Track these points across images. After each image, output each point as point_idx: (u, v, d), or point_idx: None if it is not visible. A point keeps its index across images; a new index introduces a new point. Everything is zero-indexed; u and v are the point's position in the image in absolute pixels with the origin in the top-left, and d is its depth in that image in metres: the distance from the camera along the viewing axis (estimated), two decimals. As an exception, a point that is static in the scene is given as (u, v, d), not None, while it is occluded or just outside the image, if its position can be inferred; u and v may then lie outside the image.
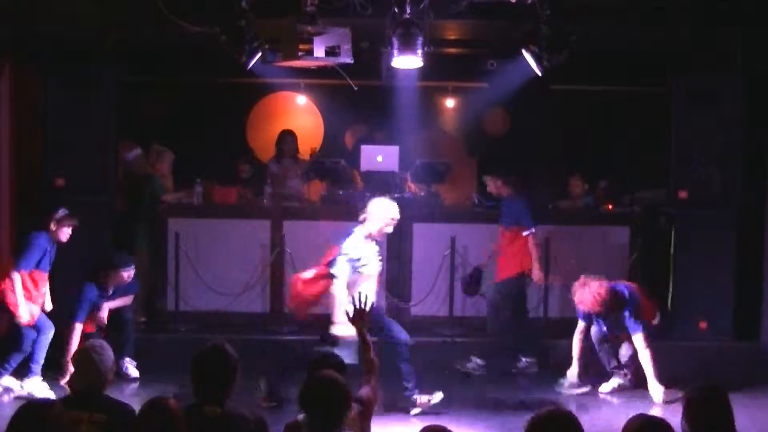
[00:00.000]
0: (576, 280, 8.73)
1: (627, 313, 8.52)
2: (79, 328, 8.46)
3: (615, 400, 8.66)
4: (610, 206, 10.55)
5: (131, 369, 8.98)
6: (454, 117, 13.07)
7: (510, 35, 9.15)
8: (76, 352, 4.88)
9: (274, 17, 7.97)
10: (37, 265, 8.37)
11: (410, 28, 7.93)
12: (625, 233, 10.29)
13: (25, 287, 8.27)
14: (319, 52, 7.56)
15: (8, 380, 8.33)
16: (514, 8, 8.23)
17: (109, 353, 4.88)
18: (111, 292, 8.84)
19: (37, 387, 8.21)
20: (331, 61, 7.74)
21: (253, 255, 10.12)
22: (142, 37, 9.92)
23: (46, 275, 8.51)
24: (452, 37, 10.17)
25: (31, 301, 8.33)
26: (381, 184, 10.23)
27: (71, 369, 6.08)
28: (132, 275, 8.86)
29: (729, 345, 9.81)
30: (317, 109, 12.73)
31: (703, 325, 9.89)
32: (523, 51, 8.57)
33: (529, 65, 8.64)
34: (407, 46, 7.98)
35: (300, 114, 12.76)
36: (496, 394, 8.65)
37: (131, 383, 8.79)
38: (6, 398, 8.21)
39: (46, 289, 8.57)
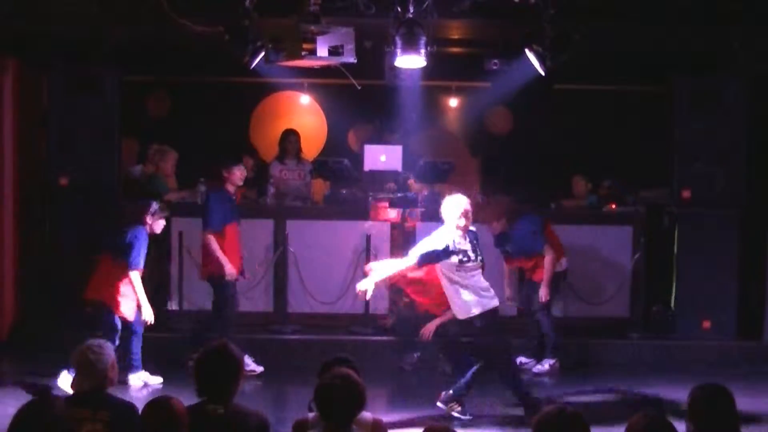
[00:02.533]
0: (577, 280, 8.74)
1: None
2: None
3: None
4: (614, 206, 10.56)
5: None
6: (457, 116, 13.07)
7: (513, 35, 9.14)
8: (75, 354, 4.84)
9: (277, 17, 7.97)
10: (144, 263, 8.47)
11: (413, 28, 7.94)
12: (629, 233, 10.29)
13: (124, 285, 8.35)
14: (322, 51, 7.55)
15: (143, 375, 8.55)
16: (517, 8, 8.23)
17: (109, 352, 4.85)
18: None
19: (146, 378, 8.52)
20: (335, 60, 7.74)
21: (256, 254, 10.12)
22: (145, 36, 9.92)
23: (144, 271, 8.58)
24: (455, 37, 10.17)
25: (128, 298, 8.45)
26: (384, 183, 10.26)
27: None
28: (244, 175, 9.05)
29: (732, 344, 9.82)
30: (320, 109, 12.73)
31: (706, 324, 9.91)
32: (527, 51, 8.57)
33: (532, 65, 8.64)
34: (410, 46, 7.98)
35: (303, 113, 12.76)
36: (496, 394, 8.65)
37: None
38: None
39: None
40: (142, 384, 8.48)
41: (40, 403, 4.05)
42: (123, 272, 8.34)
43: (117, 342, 8.28)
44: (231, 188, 8.96)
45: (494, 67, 9.96)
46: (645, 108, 11.67)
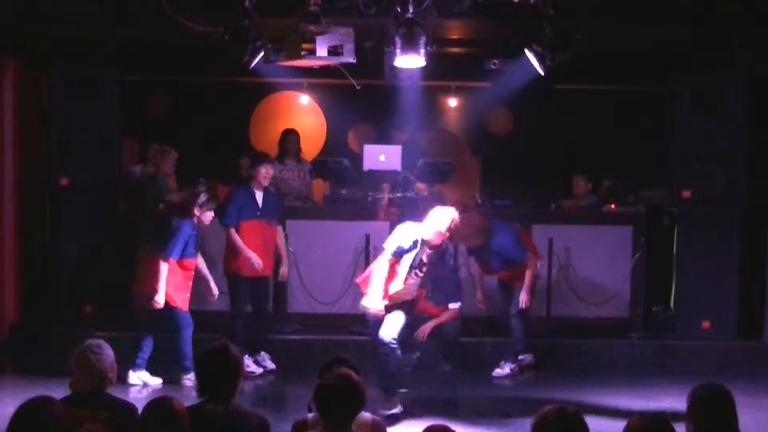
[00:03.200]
0: (577, 280, 8.73)
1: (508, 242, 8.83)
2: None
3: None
4: (614, 205, 10.55)
5: (268, 362, 9.13)
6: (457, 116, 13.07)
7: (513, 35, 9.14)
8: (74, 354, 4.83)
9: (277, 16, 7.96)
10: (183, 253, 8.56)
11: (413, 28, 7.92)
12: (629, 233, 10.29)
13: (173, 275, 8.50)
14: (322, 51, 7.54)
15: (143, 375, 8.59)
16: (517, 8, 8.21)
17: (108, 352, 4.84)
18: (260, 203, 9.00)
19: (145, 378, 8.58)
20: (334, 60, 7.72)
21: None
22: (145, 36, 9.92)
23: (194, 262, 8.73)
24: (455, 37, 10.17)
25: (180, 290, 8.58)
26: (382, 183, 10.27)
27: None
28: (270, 174, 9.10)
29: (732, 344, 9.83)
30: (320, 109, 12.74)
31: (706, 324, 9.91)
32: (526, 50, 8.56)
33: (532, 65, 8.63)
34: (410, 46, 7.97)
35: (303, 113, 12.77)
36: (497, 393, 8.66)
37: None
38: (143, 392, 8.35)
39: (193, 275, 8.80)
40: (141, 383, 8.49)
41: (39, 402, 4.04)
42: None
43: (185, 333, 8.56)
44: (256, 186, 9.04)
45: (494, 67, 9.97)
46: (645, 108, 11.68)
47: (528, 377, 9.16)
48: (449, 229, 7.37)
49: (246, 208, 8.97)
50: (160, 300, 8.43)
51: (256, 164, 9.06)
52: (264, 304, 9.31)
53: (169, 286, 8.51)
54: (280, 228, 9.36)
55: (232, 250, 8.99)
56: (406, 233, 7.42)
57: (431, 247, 7.44)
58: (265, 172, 9.03)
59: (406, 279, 7.45)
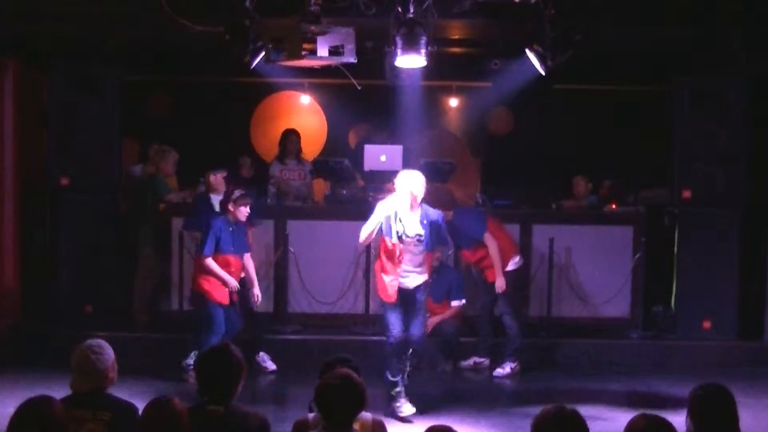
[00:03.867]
0: (577, 280, 8.73)
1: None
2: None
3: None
4: (614, 206, 10.55)
5: (268, 362, 9.14)
6: (457, 116, 13.08)
7: (514, 35, 9.14)
8: (74, 354, 4.82)
9: (278, 16, 7.96)
10: (218, 249, 8.63)
11: (414, 28, 7.93)
12: (629, 233, 10.28)
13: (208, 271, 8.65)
14: (322, 51, 7.54)
15: None
16: (517, 8, 8.22)
17: (108, 352, 4.83)
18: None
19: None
20: (335, 60, 7.73)
21: (257, 254, 10.10)
22: (146, 36, 9.93)
23: (230, 258, 8.74)
24: (456, 37, 10.17)
25: (218, 285, 8.66)
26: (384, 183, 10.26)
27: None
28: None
29: (733, 344, 9.83)
30: (321, 109, 12.74)
31: (706, 324, 9.91)
32: (527, 51, 8.57)
33: (532, 65, 8.64)
34: (411, 46, 7.97)
35: (303, 113, 12.78)
36: (498, 393, 8.67)
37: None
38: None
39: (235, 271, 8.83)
40: None
41: (39, 403, 4.04)
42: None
43: (221, 330, 8.55)
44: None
45: (494, 67, 9.98)
46: (645, 108, 11.68)
47: (527, 377, 9.17)
48: (419, 190, 7.50)
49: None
50: (232, 284, 8.64)
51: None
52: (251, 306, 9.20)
53: (207, 282, 8.62)
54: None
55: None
56: (380, 208, 7.50)
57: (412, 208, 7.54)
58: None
59: (400, 254, 7.50)
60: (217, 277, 8.61)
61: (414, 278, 7.60)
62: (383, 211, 7.48)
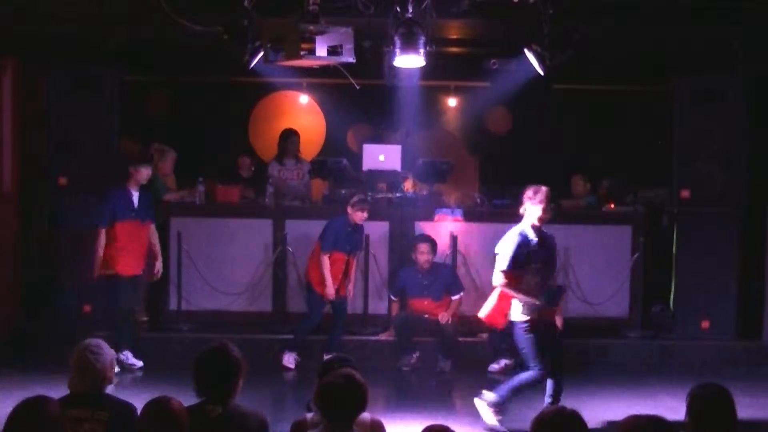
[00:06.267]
0: (576, 279, 8.70)
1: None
2: (101, 234, 8.95)
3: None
4: (613, 205, 10.55)
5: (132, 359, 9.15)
6: (456, 116, 13.08)
7: (512, 35, 9.15)
8: (73, 353, 4.82)
9: (276, 16, 7.96)
10: (335, 247, 9.26)
11: (412, 28, 7.93)
12: (628, 232, 10.28)
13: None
14: (321, 51, 7.54)
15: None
16: (516, 7, 8.22)
17: (107, 351, 4.83)
18: (136, 203, 9.05)
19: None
20: (334, 60, 7.73)
21: (255, 254, 10.13)
22: (145, 36, 9.93)
23: (344, 257, 9.34)
24: (455, 37, 10.17)
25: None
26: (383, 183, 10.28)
27: None
28: (149, 174, 9.18)
29: (731, 344, 9.83)
30: (319, 109, 12.74)
31: (705, 324, 9.91)
32: (526, 50, 8.57)
33: (531, 65, 8.64)
34: (409, 46, 7.97)
35: (302, 113, 12.77)
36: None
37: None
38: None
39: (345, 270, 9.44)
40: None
41: (35, 402, 4.04)
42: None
43: (317, 319, 9.36)
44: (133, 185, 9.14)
45: (494, 67, 10.00)
46: (645, 108, 11.68)
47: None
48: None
49: (120, 209, 9.02)
50: (329, 291, 9.24)
51: (138, 164, 9.07)
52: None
53: (317, 274, 9.26)
54: (152, 227, 9.33)
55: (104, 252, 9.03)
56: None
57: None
58: (146, 174, 9.11)
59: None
60: (324, 274, 9.19)
61: None
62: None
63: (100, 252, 8.96)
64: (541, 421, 3.88)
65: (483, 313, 7.37)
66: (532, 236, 7.16)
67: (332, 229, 9.33)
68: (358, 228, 9.46)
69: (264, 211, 10.30)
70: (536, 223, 7.18)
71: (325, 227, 9.40)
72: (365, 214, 9.34)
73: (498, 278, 7.12)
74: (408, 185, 10.64)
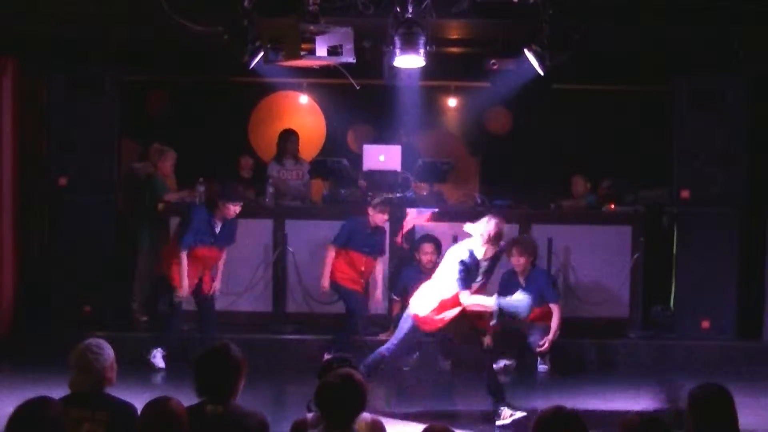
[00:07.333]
0: (576, 280, 8.70)
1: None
2: (184, 255, 8.87)
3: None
4: (613, 205, 10.55)
5: None
6: (456, 116, 13.07)
7: (512, 35, 9.15)
8: (73, 353, 4.81)
9: (276, 16, 7.96)
10: (348, 245, 9.37)
11: (412, 28, 7.94)
12: (628, 232, 10.28)
13: (339, 262, 9.38)
14: (321, 51, 7.55)
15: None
16: (516, 7, 8.22)
17: (108, 351, 4.82)
18: (217, 230, 9.02)
19: None
20: (334, 60, 7.74)
21: (255, 254, 10.13)
22: (144, 36, 9.93)
23: (362, 257, 9.43)
24: (454, 37, 10.17)
25: (352, 280, 9.41)
26: (383, 183, 10.26)
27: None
28: (237, 212, 9.07)
29: (732, 344, 9.82)
30: (319, 109, 12.74)
31: (705, 324, 9.91)
32: (526, 50, 8.57)
33: (531, 65, 8.65)
34: (409, 46, 7.98)
35: (302, 113, 12.77)
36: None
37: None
38: None
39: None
40: None
41: (37, 403, 4.04)
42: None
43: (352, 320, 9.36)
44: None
45: (494, 67, 9.98)
46: (645, 108, 11.67)
47: (526, 377, 9.18)
48: None
49: (201, 234, 8.99)
50: (324, 283, 9.34)
51: (227, 201, 8.97)
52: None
53: (339, 272, 9.35)
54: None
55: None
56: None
57: None
58: (234, 211, 9.01)
59: None
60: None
61: None
62: None
63: (185, 277, 8.89)
64: (541, 421, 3.88)
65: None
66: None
67: (348, 227, 9.40)
68: (378, 230, 9.46)
69: (264, 212, 10.30)
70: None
71: (342, 225, 9.46)
72: (386, 216, 9.35)
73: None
74: (419, 185, 10.64)
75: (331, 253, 9.37)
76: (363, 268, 9.44)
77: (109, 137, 9.87)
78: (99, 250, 9.87)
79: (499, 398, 7.25)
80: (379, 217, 9.34)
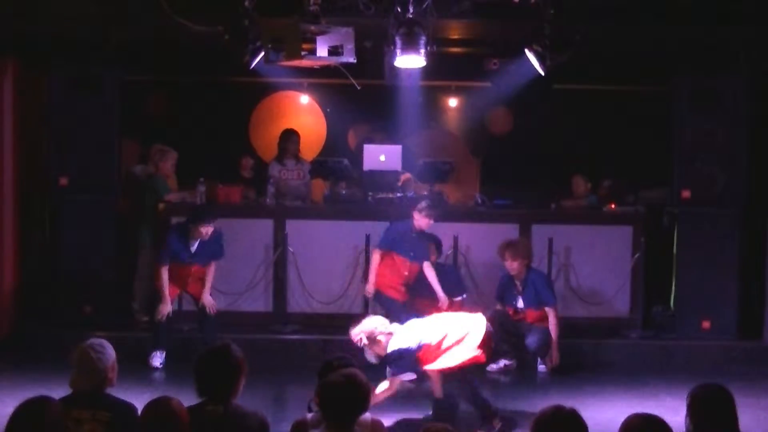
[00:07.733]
0: (576, 280, 8.70)
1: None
2: (163, 271, 8.89)
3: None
4: (613, 205, 10.55)
5: None
6: (457, 116, 13.07)
7: (513, 35, 9.15)
8: (75, 352, 4.81)
9: (277, 16, 7.96)
10: (392, 248, 9.26)
11: (413, 28, 7.93)
12: (629, 232, 10.28)
13: (385, 268, 9.26)
14: (322, 51, 7.55)
15: None
16: (517, 8, 8.22)
17: (109, 352, 4.82)
18: (193, 249, 9.02)
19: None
20: (334, 60, 7.73)
21: (256, 254, 10.13)
22: (145, 36, 9.92)
23: (407, 262, 9.26)
24: (455, 37, 10.17)
25: (392, 284, 9.27)
26: (383, 183, 10.27)
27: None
28: (210, 233, 9.00)
29: (732, 344, 9.83)
30: (320, 109, 12.74)
31: (706, 324, 9.91)
32: (526, 50, 8.57)
33: (532, 65, 8.64)
34: (410, 46, 7.98)
35: (303, 113, 12.77)
36: (496, 393, 8.65)
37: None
38: None
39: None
40: None
41: (37, 403, 4.04)
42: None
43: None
44: None
45: (494, 67, 9.99)
46: (645, 108, 11.67)
47: (526, 376, 9.17)
48: None
49: (177, 252, 9.03)
50: (370, 289, 9.31)
51: (198, 223, 8.95)
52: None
53: (382, 277, 9.25)
54: (213, 265, 9.28)
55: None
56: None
57: None
58: (205, 232, 8.98)
59: None
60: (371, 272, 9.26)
61: None
62: None
63: (165, 290, 8.95)
64: (541, 420, 3.88)
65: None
66: None
67: (393, 230, 9.31)
68: (424, 235, 9.28)
69: (265, 212, 10.30)
70: None
71: (386, 228, 9.39)
72: (432, 221, 9.20)
73: None
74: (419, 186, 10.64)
75: (376, 257, 9.27)
76: (407, 273, 9.27)
77: (109, 137, 9.87)
78: (99, 250, 9.88)
79: (488, 414, 7.22)
80: (424, 222, 9.16)
